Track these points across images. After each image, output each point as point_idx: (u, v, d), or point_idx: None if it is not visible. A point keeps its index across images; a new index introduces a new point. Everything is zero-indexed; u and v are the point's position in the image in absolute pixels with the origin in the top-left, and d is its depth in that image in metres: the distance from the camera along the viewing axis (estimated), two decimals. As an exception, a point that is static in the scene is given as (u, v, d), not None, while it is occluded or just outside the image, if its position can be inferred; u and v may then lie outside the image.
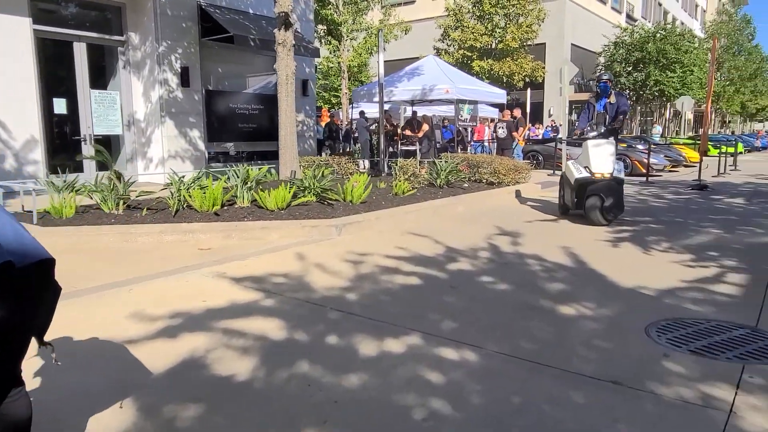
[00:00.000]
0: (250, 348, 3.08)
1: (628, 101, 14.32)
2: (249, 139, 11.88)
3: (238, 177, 7.27)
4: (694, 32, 22.38)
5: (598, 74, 8.00)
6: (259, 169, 7.70)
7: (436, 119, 16.36)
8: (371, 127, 14.85)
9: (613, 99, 7.43)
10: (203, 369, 2.82)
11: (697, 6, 48.17)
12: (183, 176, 7.24)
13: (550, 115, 30.35)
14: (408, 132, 13.50)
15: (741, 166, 18.64)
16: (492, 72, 25.83)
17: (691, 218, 7.67)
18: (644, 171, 14.51)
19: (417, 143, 13.20)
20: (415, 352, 3.05)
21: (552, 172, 14.47)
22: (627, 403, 2.50)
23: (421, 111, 14.36)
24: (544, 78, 29.32)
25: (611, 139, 7.10)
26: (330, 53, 22.45)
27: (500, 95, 14.04)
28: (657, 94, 27.17)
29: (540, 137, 20.99)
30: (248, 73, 12.03)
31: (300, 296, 4.02)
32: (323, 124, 15.96)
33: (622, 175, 7.02)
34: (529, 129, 20.11)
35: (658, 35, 26.80)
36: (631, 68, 27.08)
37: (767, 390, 2.63)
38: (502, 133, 13.25)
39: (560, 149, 16.18)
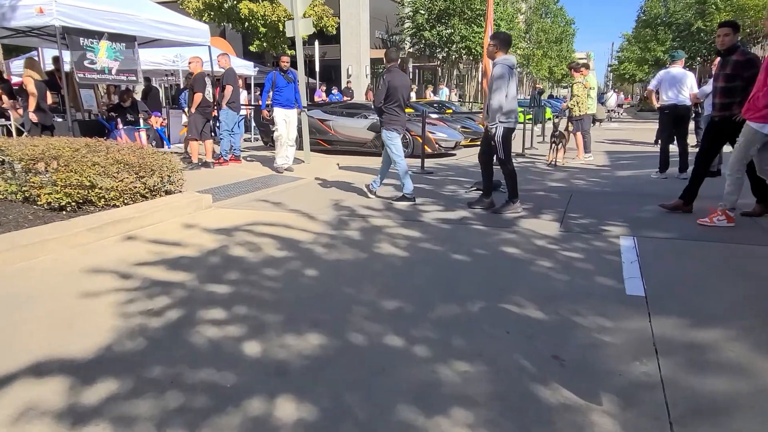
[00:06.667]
0: None
1: None
2: None
3: None
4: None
5: None
6: None
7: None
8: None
9: None
10: None
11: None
12: None
13: (348, 76, 25.58)
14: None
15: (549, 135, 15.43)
16: (265, 15, 20.13)
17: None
18: (429, 150, 10.15)
19: (21, 113, 7.14)
20: None
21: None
22: None
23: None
24: (339, 29, 24.35)
25: None
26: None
27: (196, 31, 8.38)
28: (464, 51, 23.75)
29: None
30: None
31: None
32: None
33: None
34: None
35: (463, -17, 23.23)
36: (435, 21, 23.24)
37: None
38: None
39: (322, 120, 11.24)
